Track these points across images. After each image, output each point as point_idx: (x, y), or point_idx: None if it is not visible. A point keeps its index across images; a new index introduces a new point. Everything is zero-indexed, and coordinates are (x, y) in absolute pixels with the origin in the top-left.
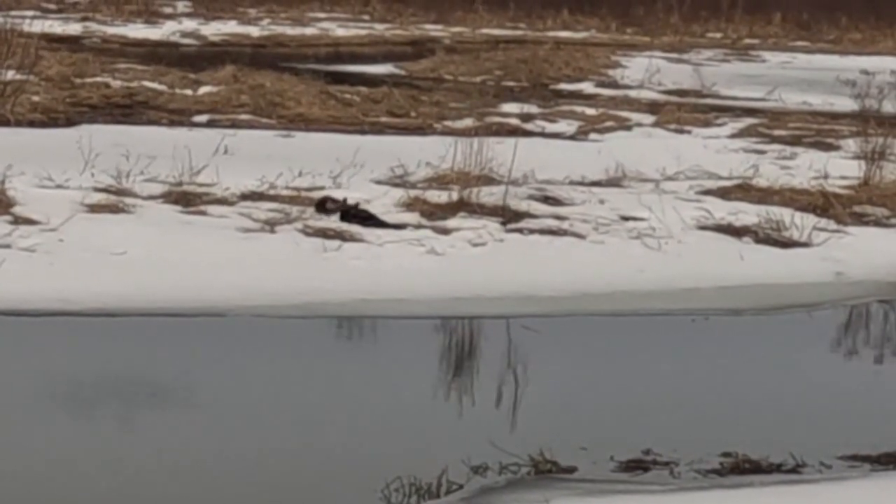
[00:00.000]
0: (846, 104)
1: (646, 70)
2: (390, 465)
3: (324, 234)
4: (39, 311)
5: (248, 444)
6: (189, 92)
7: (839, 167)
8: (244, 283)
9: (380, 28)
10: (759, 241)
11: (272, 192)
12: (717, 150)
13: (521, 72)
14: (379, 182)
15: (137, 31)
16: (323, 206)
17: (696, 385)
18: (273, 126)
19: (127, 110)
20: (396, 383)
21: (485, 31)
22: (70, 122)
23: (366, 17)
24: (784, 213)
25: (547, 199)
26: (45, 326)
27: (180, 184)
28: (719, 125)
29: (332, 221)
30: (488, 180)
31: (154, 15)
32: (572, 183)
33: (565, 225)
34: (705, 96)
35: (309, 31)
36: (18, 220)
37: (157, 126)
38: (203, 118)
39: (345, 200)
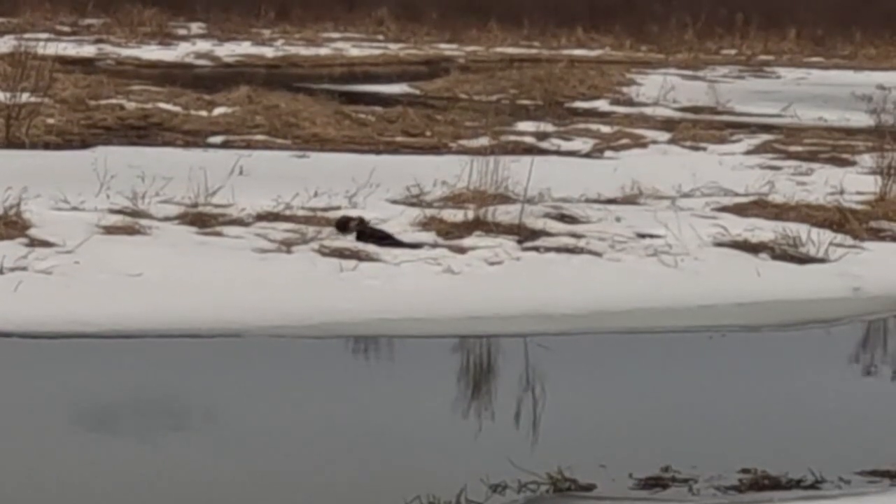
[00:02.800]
0: (862, 119)
1: (661, 87)
2: (409, 484)
3: (340, 254)
4: (56, 333)
5: (265, 463)
6: (204, 113)
7: (855, 183)
8: (261, 303)
9: (394, 48)
10: (775, 257)
11: (288, 212)
12: (733, 167)
13: (536, 90)
14: (395, 201)
15: (151, 52)
16: (344, 225)
17: (715, 402)
18: (288, 146)
19: (142, 132)
20: (414, 402)
21: (499, 49)
22: (85, 144)
23: (380, 36)
24: (800, 229)
25: (563, 218)
26: (61, 348)
27: (196, 205)
28: (735, 142)
29: (349, 241)
30: (504, 199)
31: (168, 36)
32: (588, 201)
33: (582, 243)
34: (720, 113)
35: (323, 51)
36: (34, 243)
37: (172, 147)
38: (218, 139)
39: (360, 219)
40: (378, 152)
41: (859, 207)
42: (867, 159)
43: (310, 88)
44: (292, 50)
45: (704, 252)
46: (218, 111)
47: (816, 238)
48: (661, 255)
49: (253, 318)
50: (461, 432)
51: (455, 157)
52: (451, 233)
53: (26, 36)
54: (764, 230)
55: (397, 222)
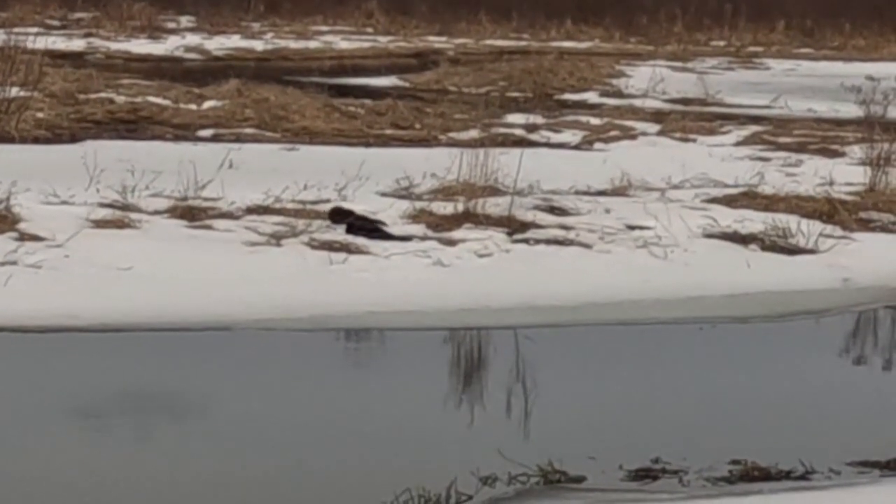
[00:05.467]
0: (851, 110)
1: (650, 79)
2: (399, 477)
3: (330, 246)
4: (46, 327)
5: (255, 456)
6: (193, 107)
7: (845, 173)
8: (250, 296)
9: (383, 40)
10: (765, 248)
11: (278, 205)
12: (723, 158)
13: (526, 82)
14: (384, 194)
15: (141, 46)
16: (337, 215)
17: (705, 393)
18: (278, 140)
19: (131, 126)
20: (404, 395)
21: (489, 42)
22: (74, 138)
23: (369, 29)
24: (790, 220)
25: (553, 210)
26: (51, 342)
27: (186, 198)
28: (724, 133)
29: (339, 234)
30: (494, 191)
31: (157, 30)
32: (578, 193)
33: (571, 235)
34: (710, 104)
35: (312, 44)
36: (24, 237)
37: (161, 141)
38: (208, 133)
39: (352, 212)
40: (368, 145)
41: (849, 198)
42: (856, 150)
43: (299, 81)
44: (282, 43)
45: (694, 243)
46: (207, 105)
47: (806, 229)
48: (651, 247)
49: (242, 312)
50: (451, 425)
51: (445, 150)
52: (440, 225)
53: (15, 30)
54: (753, 221)
55: (387, 215)
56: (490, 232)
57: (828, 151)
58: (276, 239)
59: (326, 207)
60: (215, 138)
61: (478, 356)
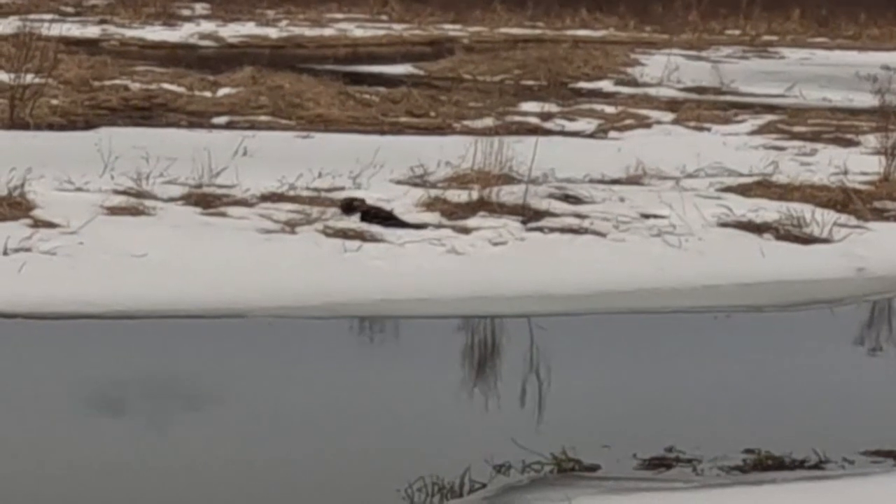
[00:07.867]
0: (866, 100)
1: (665, 68)
2: (413, 465)
3: (344, 234)
4: (60, 314)
5: (270, 444)
6: (208, 94)
7: (859, 163)
8: (265, 284)
9: (398, 28)
10: (779, 237)
11: (292, 193)
12: (737, 147)
13: (541, 71)
14: (399, 182)
15: (156, 33)
16: (349, 206)
17: (718, 382)
18: (292, 127)
19: (146, 113)
20: (418, 383)
21: (503, 30)
22: (89, 125)
23: (384, 17)
24: (804, 210)
25: (567, 198)
26: (65, 329)
27: (200, 186)
28: (739, 122)
29: (353, 222)
30: (508, 179)
31: (172, 17)
32: (592, 181)
33: (585, 223)
34: (724, 93)
35: (327, 31)
36: (39, 224)
37: (176, 128)
38: (222, 120)
39: (363, 201)
40: (382, 133)
41: (863, 188)
42: (871, 140)
43: (314, 69)
44: (296, 30)
45: (708, 232)
46: (222, 92)
47: (820, 218)
48: (665, 236)
49: (257, 299)
50: (465, 413)
51: (459, 138)
52: (455, 213)
53: (31, 17)
54: (768, 210)
55: (401, 203)
56: (504, 220)
57: (842, 141)
58: (291, 226)
59: (341, 195)
60: (230, 125)
61: (491, 344)
